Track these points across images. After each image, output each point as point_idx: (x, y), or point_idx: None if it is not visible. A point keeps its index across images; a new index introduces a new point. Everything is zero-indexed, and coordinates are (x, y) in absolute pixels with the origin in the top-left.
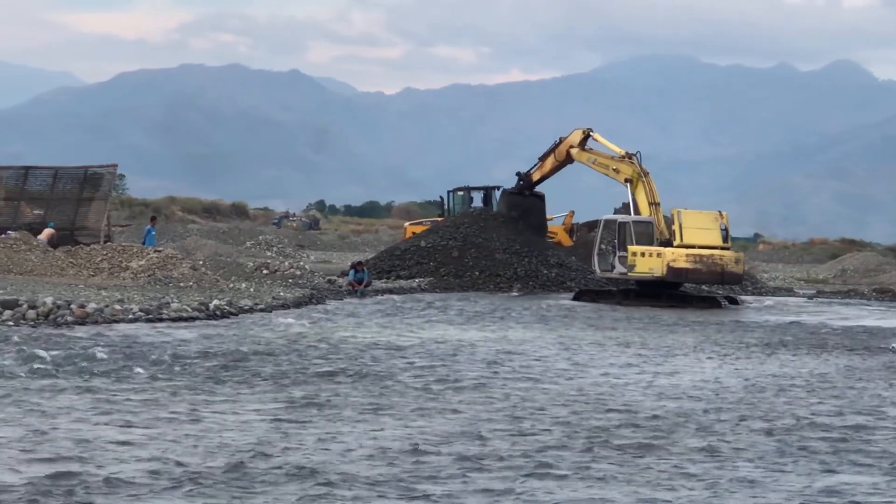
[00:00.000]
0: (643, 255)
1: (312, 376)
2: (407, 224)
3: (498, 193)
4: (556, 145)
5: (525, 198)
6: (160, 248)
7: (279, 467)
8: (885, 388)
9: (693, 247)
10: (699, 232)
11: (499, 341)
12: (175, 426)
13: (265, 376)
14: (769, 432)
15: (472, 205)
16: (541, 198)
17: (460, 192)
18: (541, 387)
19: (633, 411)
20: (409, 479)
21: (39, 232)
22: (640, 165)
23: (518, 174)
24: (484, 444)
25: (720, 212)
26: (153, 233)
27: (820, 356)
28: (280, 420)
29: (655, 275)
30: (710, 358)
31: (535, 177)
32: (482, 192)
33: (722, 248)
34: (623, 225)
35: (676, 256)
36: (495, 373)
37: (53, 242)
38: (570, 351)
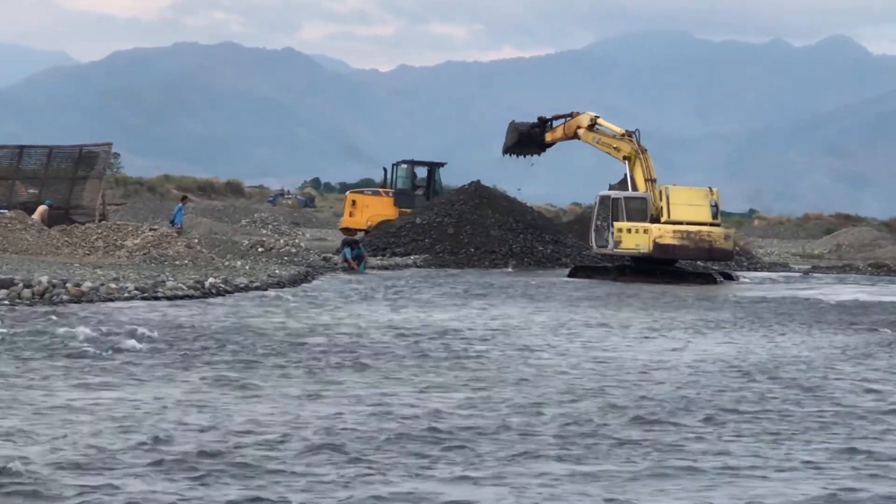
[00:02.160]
0: (629, 231)
1: (307, 355)
2: (348, 192)
3: (442, 171)
4: (569, 117)
5: (524, 145)
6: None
7: (306, 445)
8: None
9: (681, 223)
10: (688, 208)
11: (498, 319)
12: (174, 407)
13: (261, 356)
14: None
15: (416, 180)
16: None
17: (404, 166)
18: (558, 365)
19: (649, 388)
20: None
21: (34, 211)
22: (638, 143)
23: (540, 119)
24: (496, 419)
25: (710, 188)
26: (182, 211)
27: (836, 331)
28: (295, 397)
29: (642, 251)
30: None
31: (548, 138)
32: (427, 167)
33: (711, 225)
34: (616, 201)
35: (663, 233)
36: (503, 352)
37: (46, 220)
38: (572, 330)
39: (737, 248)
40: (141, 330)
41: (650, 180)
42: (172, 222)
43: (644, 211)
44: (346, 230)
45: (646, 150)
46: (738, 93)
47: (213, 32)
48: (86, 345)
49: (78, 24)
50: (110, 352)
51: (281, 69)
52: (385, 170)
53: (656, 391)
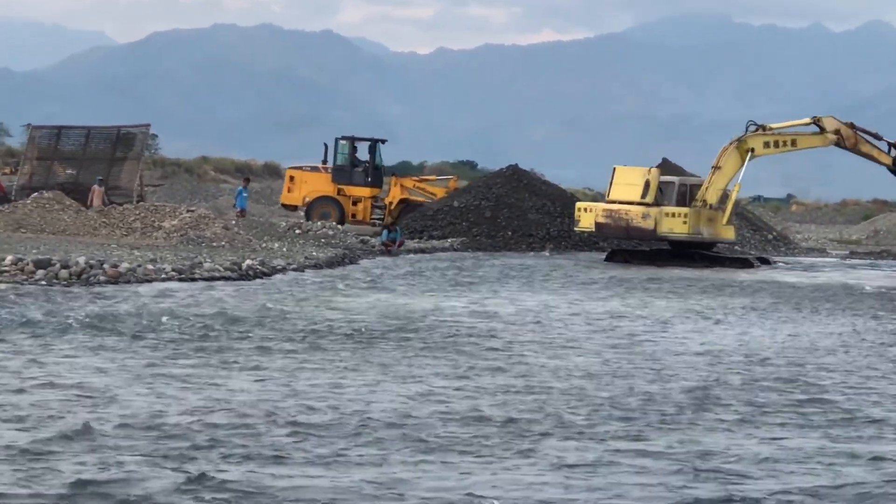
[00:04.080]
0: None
1: (345, 337)
2: (287, 168)
3: (378, 147)
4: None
5: None
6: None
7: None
8: None
9: (614, 202)
10: (625, 188)
11: (540, 305)
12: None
13: (301, 336)
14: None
15: (357, 154)
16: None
17: (343, 142)
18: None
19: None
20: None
21: (72, 191)
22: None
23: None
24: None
25: (650, 168)
26: (245, 194)
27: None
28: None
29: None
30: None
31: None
32: (368, 143)
33: (639, 204)
34: (667, 185)
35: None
36: (550, 338)
37: (104, 199)
38: (622, 317)
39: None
40: (177, 311)
41: (716, 167)
42: (235, 205)
43: (685, 195)
44: (284, 206)
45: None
46: (777, 77)
47: (252, 14)
48: (126, 325)
49: (117, 4)
50: (150, 333)
51: (319, 51)
52: (326, 146)
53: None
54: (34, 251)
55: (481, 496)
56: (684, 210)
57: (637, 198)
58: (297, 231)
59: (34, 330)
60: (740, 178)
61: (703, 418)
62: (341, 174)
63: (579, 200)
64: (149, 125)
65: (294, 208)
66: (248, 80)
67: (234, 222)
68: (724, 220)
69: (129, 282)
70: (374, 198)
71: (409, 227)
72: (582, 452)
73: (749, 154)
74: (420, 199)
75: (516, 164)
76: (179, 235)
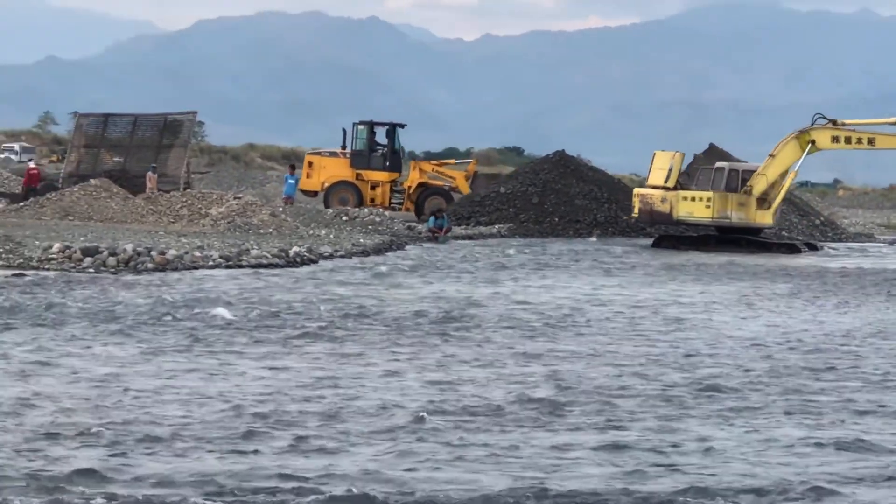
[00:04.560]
0: (636, 197)
1: (389, 327)
2: (307, 154)
3: (402, 131)
4: None
5: None
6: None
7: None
8: None
9: (648, 187)
10: (657, 172)
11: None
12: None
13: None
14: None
15: (376, 138)
16: None
17: (361, 127)
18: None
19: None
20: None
21: (119, 178)
22: None
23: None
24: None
25: (676, 152)
26: (291, 181)
27: None
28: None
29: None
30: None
31: None
32: (385, 127)
33: (663, 188)
34: (717, 171)
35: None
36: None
37: (156, 186)
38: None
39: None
40: (226, 298)
41: (772, 155)
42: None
43: (726, 180)
44: (303, 192)
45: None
46: (824, 61)
47: (299, 0)
48: (177, 314)
49: None
50: (201, 321)
51: (365, 38)
52: (344, 131)
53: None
54: (82, 239)
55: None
56: (706, 194)
57: (660, 182)
58: (345, 218)
59: (91, 319)
60: (797, 167)
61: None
62: (359, 159)
63: (626, 186)
64: (195, 112)
65: (314, 194)
66: (294, 67)
67: (281, 209)
68: (773, 207)
69: (176, 269)
70: (394, 182)
71: (456, 213)
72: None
73: (809, 146)
74: (439, 182)
75: (563, 150)
76: (226, 222)
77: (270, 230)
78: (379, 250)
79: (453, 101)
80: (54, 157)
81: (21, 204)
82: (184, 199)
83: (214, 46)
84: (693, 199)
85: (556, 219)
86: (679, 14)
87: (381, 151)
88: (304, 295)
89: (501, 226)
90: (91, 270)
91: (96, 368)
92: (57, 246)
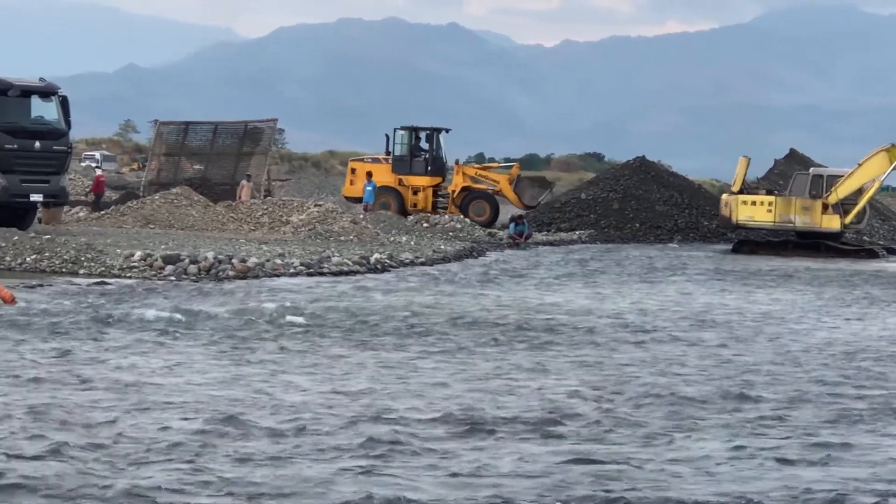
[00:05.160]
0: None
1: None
2: (350, 160)
3: (444, 136)
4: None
5: None
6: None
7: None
8: None
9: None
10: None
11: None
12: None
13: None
14: None
15: (420, 144)
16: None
17: (402, 132)
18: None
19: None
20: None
21: (199, 186)
22: None
23: None
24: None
25: (744, 157)
26: (369, 188)
27: None
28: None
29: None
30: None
31: None
32: (426, 132)
33: (731, 194)
34: (801, 176)
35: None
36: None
37: (253, 194)
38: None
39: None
40: (308, 306)
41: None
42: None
43: (809, 186)
44: (346, 199)
45: None
46: None
47: (378, 7)
48: (261, 321)
49: (243, 0)
50: (286, 328)
51: (445, 44)
52: (387, 136)
53: None
54: (163, 247)
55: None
56: (768, 198)
57: (737, 188)
58: (425, 225)
59: (176, 327)
60: (882, 178)
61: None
62: (401, 164)
63: (706, 191)
64: (276, 120)
65: (357, 200)
66: (374, 74)
67: (361, 216)
68: (852, 215)
69: (257, 276)
70: (437, 186)
71: (537, 219)
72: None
73: None
74: (482, 186)
75: (643, 156)
76: (307, 230)
77: (351, 237)
78: (460, 257)
79: (533, 106)
80: (135, 165)
81: (102, 212)
82: (264, 207)
83: (294, 54)
84: (754, 203)
85: (637, 224)
86: (757, 18)
87: (423, 156)
88: (387, 302)
89: (582, 232)
90: (172, 278)
91: (191, 376)
92: (138, 254)
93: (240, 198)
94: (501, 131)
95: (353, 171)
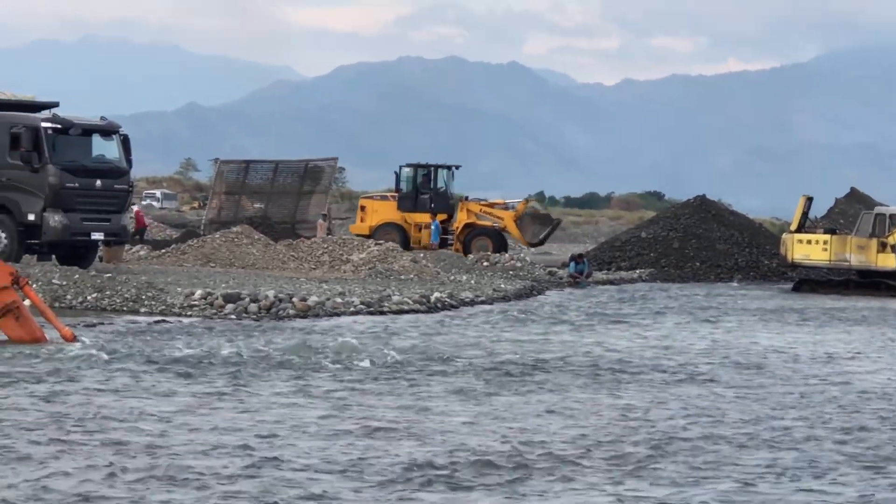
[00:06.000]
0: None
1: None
2: (361, 198)
3: (444, 173)
4: None
5: None
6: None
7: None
8: None
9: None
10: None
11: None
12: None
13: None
14: None
15: (429, 181)
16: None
17: (407, 169)
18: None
19: None
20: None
21: (260, 224)
22: None
23: None
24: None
25: (802, 195)
26: (434, 227)
27: None
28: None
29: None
30: None
31: None
32: (431, 169)
33: (790, 232)
34: (866, 215)
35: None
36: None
37: (328, 232)
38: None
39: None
40: (372, 344)
41: None
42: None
43: (873, 224)
44: (356, 236)
45: None
46: None
47: (438, 46)
48: (325, 360)
49: (303, 38)
50: (349, 367)
51: (505, 82)
52: (396, 174)
53: None
54: (223, 285)
55: None
56: (824, 237)
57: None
58: (485, 263)
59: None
60: None
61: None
62: (406, 201)
63: (766, 230)
64: (336, 158)
65: (368, 237)
66: (434, 112)
67: (422, 255)
68: None
69: (317, 315)
70: (442, 223)
71: (597, 258)
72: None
73: None
74: (487, 223)
75: (704, 195)
76: (368, 268)
77: (411, 276)
78: (520, 296)
79: (594, 145)
80: (195, 204)
81: (163, 251)
82: (325, 246)
83: (354, 92)
84: (810, 241)
85: (697, 263)
86: (818, 57)
87: (428, 194)
88: (449, 340)
89: (642, 270)
90: (233, 317)
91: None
92: (199, 293)
93: (319, 234)
94: (561, 170)
95: (362, 208)
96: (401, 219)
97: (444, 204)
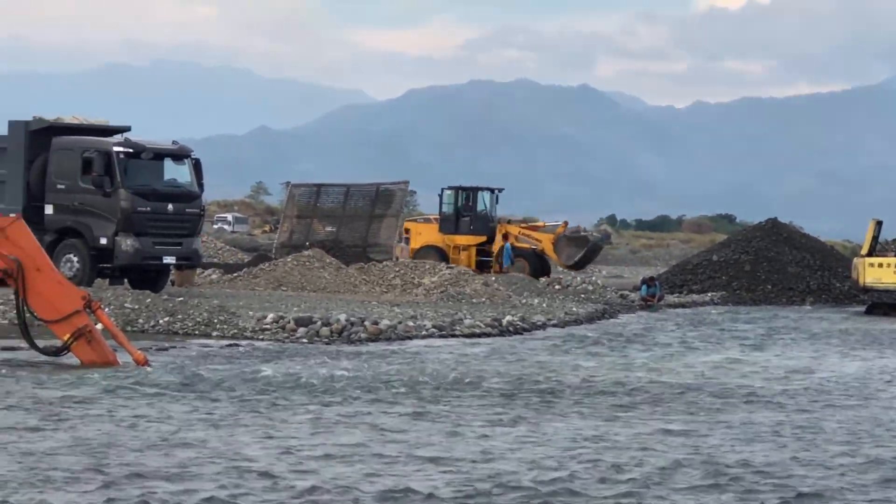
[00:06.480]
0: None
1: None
2: (406, 220)
3: (486, 195)
4: None
5: None
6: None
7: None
8: None
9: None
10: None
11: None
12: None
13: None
14: None
15: (471, 203)
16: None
17: (448, 191)
18: None
19: None
20: None
21: (331, 248)
22: None
23: None
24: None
25: (872, 219)
26: (506, 250)
27: None
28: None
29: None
30: None
31: None
32: (470, 192)
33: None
34: None
35: None
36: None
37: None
38: None
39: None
40: (446, 368)
41: None
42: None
43: None
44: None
45: None
46: None
47: (508, 69)
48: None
49: (373, 62)
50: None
51: (576, 106)
52: (440, 196)
53: None
54: (295, 309)
55: None
56: (893, 260)
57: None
58: (557, 287)
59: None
60: None
61: None
62: (447, 223)
63: (838, 253)
64: (407, 182)
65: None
66: (504, 135)
67: (493, 278)
68: None
69: (389, 339)
70: (482, 245)
71: (668, 281)
72: None
73: None
74: (525, 245)
75: (775, 218)
76: (439, 292)
77: (483, 299)
78: (592, 319)
79: (665, 168)
80: (266, 228)
81: (235, 274)
82: (396, 269)
83: (425, 116)
84: (881, 265)
85: (769, 286)
86: (888, 79)
87: (469, 216)
88: (526, 364)
89: (714, 294)
90: (304, 340)
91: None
92: (271, 316)
93: (397, 257)
94: (632, 193)
95: (407, 230)
96: (441, 241)
97: (485, 226)
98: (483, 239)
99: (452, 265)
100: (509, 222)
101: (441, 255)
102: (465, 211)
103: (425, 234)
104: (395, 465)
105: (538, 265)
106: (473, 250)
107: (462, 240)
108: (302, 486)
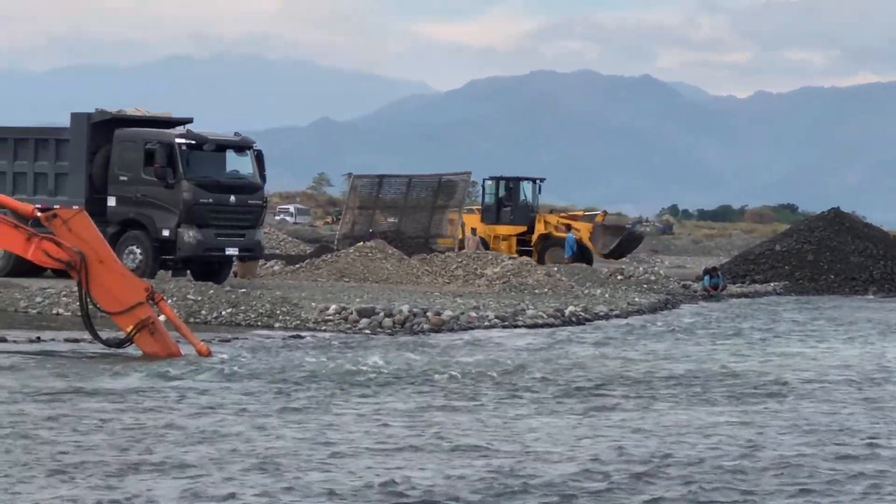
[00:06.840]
0: None
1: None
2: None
3: (528, 185)
4: None
5: None
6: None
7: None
8: None
9: None
10: None
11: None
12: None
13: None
14: None
15: (513, 193)
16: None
17: (490, 182)
18: None
19: None
20: None
21: (393, 239)
22: None
23: None
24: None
25: None
26: (569, 241)
27: None
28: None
29: None
30: None
31: None
32: (513, 182)
33: None
34: None
35: None
36: None
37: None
38: None
39: None
40: (511, 359)
41: None
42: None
43: None
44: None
45: None
46: None
47: (570, 60)
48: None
49: (435, 53)
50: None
51: (638, 96)
52: (483, 187)
53: None
54: (357, 300)
55: None
56: None
57: None
58: (619, 277)
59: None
60: None
61: None
62: (489, 213)
63: None
64: (469, 173)
65: (453, 249)
66: (566, 126)
67: (556, 269)
68: None
69: (452, 329)
70: (523, 234)
71: (731, 271)
72: None
73: None
74: (563, 234)
75: (838, 207)
76: (502, 283)
77: (545, 290)
78: (654, 309)
79: (726, 158)
80: (328, 219)
81: (297, 266)
82: (459, 260)
83: (487, 106)
84: None
85: (832, 276)
86: None
87: (510, 206)
88: (590, 355)
89: (777, 283)
90: (367, 331)
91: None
92: (333, 307)
93: (470, 248)
94: (694, 183)
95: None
96: (483, 231)
97: (525, 216)
98: (523, 228)
99: (514, 256)
100: (551, 212)
101: (483, 244)
102: (506, 201)
103: (468, 224)
104: (494, 456)
105: (578, 254)
106: (514, 240)
107: (503, 229)
108: (385, 477)
